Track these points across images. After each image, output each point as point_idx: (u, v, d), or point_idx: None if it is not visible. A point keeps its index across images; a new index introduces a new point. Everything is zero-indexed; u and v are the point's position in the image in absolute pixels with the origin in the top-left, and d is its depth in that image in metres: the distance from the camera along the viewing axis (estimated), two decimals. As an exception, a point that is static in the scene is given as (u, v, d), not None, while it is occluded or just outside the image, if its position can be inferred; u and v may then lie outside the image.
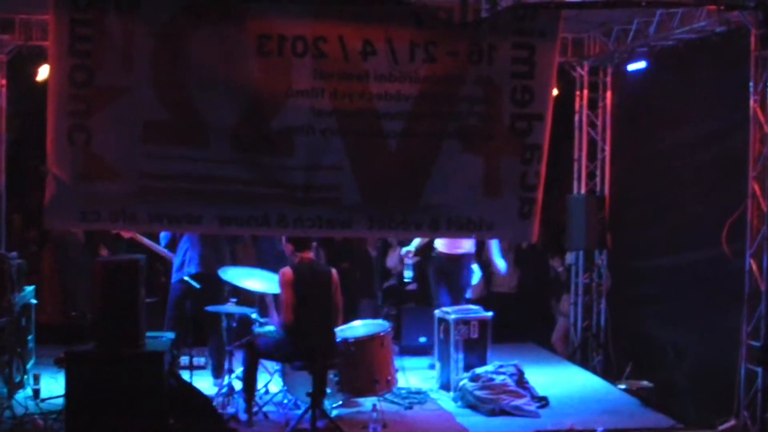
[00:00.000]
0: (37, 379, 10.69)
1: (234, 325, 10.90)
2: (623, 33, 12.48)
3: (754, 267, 10.14)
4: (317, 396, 9.80)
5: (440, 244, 12.51)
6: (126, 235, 11.56)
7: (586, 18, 12.24)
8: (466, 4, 9.52)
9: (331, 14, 9.47)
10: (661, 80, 12.32)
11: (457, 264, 12.60)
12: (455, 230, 9.87)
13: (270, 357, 10.30)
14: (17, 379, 10.58)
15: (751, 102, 10.23)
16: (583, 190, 13.62)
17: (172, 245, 11.49)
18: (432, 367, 12.08)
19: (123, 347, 9.27)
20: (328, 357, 9.94)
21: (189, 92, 9.40)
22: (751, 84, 10.25)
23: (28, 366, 11.13)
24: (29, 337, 11.37)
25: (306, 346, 9.78)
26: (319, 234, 10.04)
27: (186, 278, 11.07)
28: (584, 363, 13.40)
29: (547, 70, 9.76)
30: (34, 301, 11.56)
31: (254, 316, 10.80)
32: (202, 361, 11.95)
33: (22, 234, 13.95)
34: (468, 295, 12.90)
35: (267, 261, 12.94)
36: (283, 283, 9.85)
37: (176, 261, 11.35)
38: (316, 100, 9.50)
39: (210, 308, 10.59)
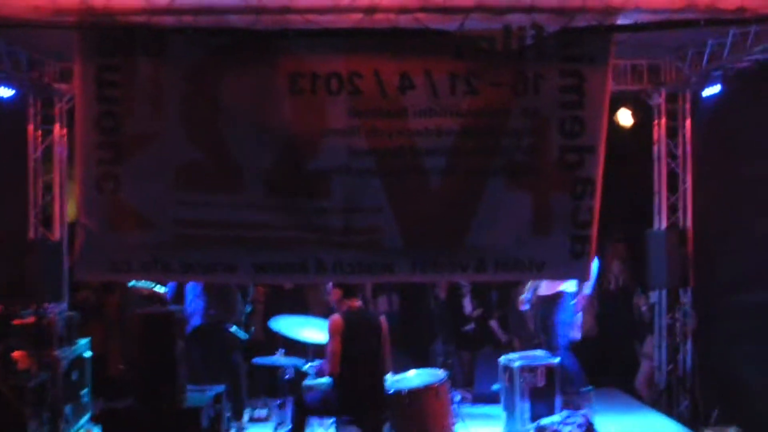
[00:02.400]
0: (90, 435, 10.36)
1: (287, 377, 10.48)
2: (698, 56, 11.79)
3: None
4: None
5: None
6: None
7: (659, 42, 11.64)
8: (509, 31, 8.99)
9: (366, 48, 9.03)
10: (738, 104, 11.59)
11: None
12: (503, 272, 9.29)
13: (318, 412, 9.82)
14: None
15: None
16: (664, 225, 12.86)
17: (179, 296, 11.20)
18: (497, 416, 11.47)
19: (160, 403, 8.90)
20: (379, 410, 9.43)
21: (221, 135, 9.07)
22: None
23: (82, 422, 10.82)
24: (83, 392, 11.07)
25: (354, 399, 9.31)
26: (360, 279, 9.51)
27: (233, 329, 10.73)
28: (669, 408, 12.59)
29: (599, 99, 9.14)
30: (88, 353, 11.26)
31: (306, 367, 10.33)
32: (263, 413, 11.55)
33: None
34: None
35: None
36: (332, 331, 9.40)
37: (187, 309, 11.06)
38: (352, 139, 9.08)
39: (259, 360, 10.19)
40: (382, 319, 9.71)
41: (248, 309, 11.87)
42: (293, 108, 9.04)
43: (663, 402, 12.76)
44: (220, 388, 10.08)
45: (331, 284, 9.91)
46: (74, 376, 10.86)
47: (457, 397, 12.81)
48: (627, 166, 14.03)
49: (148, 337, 9.04)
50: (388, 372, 9.85)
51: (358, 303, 9.66)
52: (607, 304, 14.15)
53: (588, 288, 12.03)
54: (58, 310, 10.60)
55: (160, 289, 11.50)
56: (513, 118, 9.12)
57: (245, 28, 8.82)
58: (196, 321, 11.12)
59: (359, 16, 8.84)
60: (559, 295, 11.92)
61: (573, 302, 12.08)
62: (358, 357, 9.34)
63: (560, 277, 10.31)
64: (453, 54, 9.06)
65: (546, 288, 11.97)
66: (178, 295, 11.38)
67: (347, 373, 9.32)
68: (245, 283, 10.77)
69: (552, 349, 11.87)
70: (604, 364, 13.73)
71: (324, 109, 9.04)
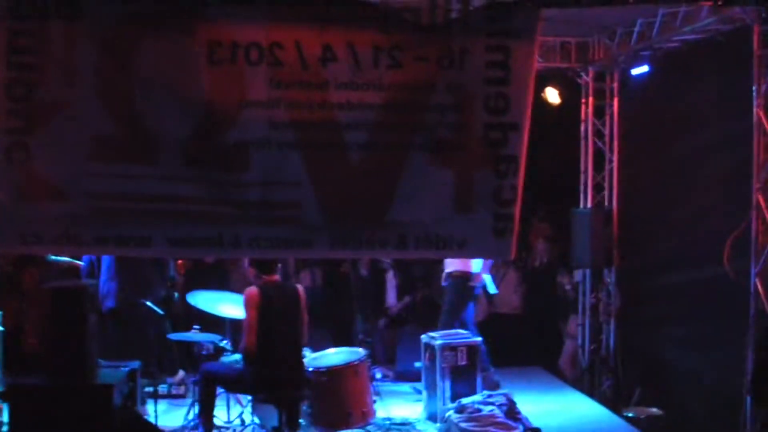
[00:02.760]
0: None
1: (204, 353, 10.27)
2: (627, 36, 11.75)
3: (760, 287, 9.34)
4: (285, 430, 9.10)
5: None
6: None
7: (588, 20, 11.58)
8: (434, 4, 8.77)
9: (288, 17, 8.75)
10: (666, 85, 11.59)
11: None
12: (424, 249, 9.08)
13: (231, 388, 9.62)
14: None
15: (755, 106, 9.45)
16: (590, 204, 12.79)
17: (91, 271, 10.95)
18: (419, 393, 11.34)
19: (70, 380, 8.62)
20: (296, 388, 9.27)
21: (137, 105, 8.73)
22: (753, 87, 9.45)
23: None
24: (-8, 365, 10.74)
25: (270, 375, 9.14)
26: (277, 255, 9.28)
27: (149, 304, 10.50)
28: (592, 388, 12.58)
29: (525, 75, 8.95)
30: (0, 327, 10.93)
31: (224, 344, 10.12)
32: (181, 390, 11.34)
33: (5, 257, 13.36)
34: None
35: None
36: (247, 304, 9.25)
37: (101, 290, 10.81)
38: (272, 111, 8.79)
39: (174, 336, 9.95)
40: (300, 289, 9.52)
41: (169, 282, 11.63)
42: (212, 78, 8.74)
43: (586, 381, 12.77)
44: (135, 364, 9.85)
45: (246, 262, 9.69)
46: (-18, 350, 10.53)
47: (378, 375, 12.78)
48: (553, 145, 14.01)
49: (57, 312, 8.74)
50: (304, 343, 9.65)
51: (275, 277, 9.46)
52: (533, 283, 14.11)
53: (484, 269, 11.95)
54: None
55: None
56: (437, 93, 8.90)
57: (162, -5, 8.51)
58: (110, 303, 10.87)
59: (281, -16, 8.59)
60: (463, 274, 11.82)
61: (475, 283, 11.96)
62: (276, 330, 9.17)
63: (482, 255, 10.19)
64: (377, 26, 8.81)
65: (451, 266, 11.87)
66: (91, 273, 11.09)
67: (264, 347, 9.15)
68: (160, 256, 10.46)
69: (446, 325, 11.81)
70: (529, 343, 13.70)
71: (244, 79, 8.76)
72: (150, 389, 11.72)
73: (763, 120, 9.50)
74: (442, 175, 8.99)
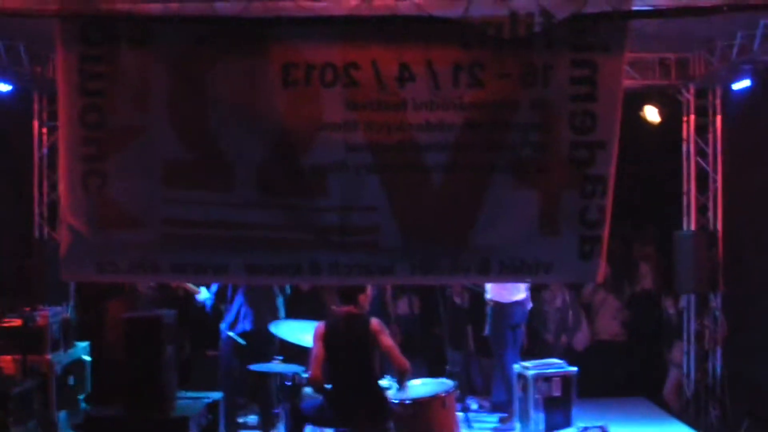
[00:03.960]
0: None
1: (288, 384, 10.00)
2: (727, 49, 11.18)
3: None
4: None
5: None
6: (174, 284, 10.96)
7: (687, 35, 11.09)
8: (516, 18, 8.39)
9: (363, 36, 8.52)
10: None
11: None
12: (508, 274, 8.75)
13: (315, 422, 9.32)
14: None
15: None
16: (693, 226, 12.24)
17: (221, 297, 10.72)
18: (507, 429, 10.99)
19: (146, 412, 8.44)
20: (376, 421, 8.90)
21: (210, 130, 8.60)
22: None
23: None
24: (80, 396, 10.64)
25: (346, 408, 8.80)
26: (357, 282, 8.96)
27: (230, 334, 10.27)
28: (698, 420, 11.97)
29: (613, 91, 8.56)
30: (88, 358, 10.84)
31: (305, 374, 9.84)
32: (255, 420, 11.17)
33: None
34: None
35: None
36: (314, 337, 8.94)
37: (229, 316, 10.58)
38: (349, 133, 8.56)
39: (254, 367, 9.70)
40: (374, 321, 9.17)
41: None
42: (286, 101, 8.56)
43: (691, 412, 12.15)
44: (217, 395, 9.65)
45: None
46: (71, 381, 10.44)
47: (474, 405, 12.36)
48: (656, 165, 13.48)
49: (133, 342, 8.58)
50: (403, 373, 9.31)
51: (349, 308, 9.16)
52: (636, 309, 13.55)
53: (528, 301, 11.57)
54: (52, 313, 10.10)
55: (202, 293, 11.12)
56: (520, 111, 8.57)
57: (234, 16, 8.34)
58: (247, 326, 10.68)
59: (356, 2, 8.38)
60: (496, 304, 11.43)
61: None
62: (343, 364, 8.85)
63: (568, 278, 9.78)
64: (456, 43, 8.53)
65: (489, 293, 11.51)
66: (223, 296, 10.95)
67: (335, 381, 8.86)
68: (237, 283, 10.28)
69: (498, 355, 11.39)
70: (632, 372, 13.14)
71: (319, 101, 8.55)
72: (240, 420, 11.61)
73: None
74: (526, 197, 8.65)
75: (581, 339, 13.10)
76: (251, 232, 8.67)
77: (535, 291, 13.04)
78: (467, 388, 13.16)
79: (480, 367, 13.23)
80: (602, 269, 8.72)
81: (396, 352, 8.97)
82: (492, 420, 11.79)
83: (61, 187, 8.74)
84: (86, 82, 8.56)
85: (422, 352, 13.05)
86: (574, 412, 10.38)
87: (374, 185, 8.60)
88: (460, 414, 11.36)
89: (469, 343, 13.04)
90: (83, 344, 10.95)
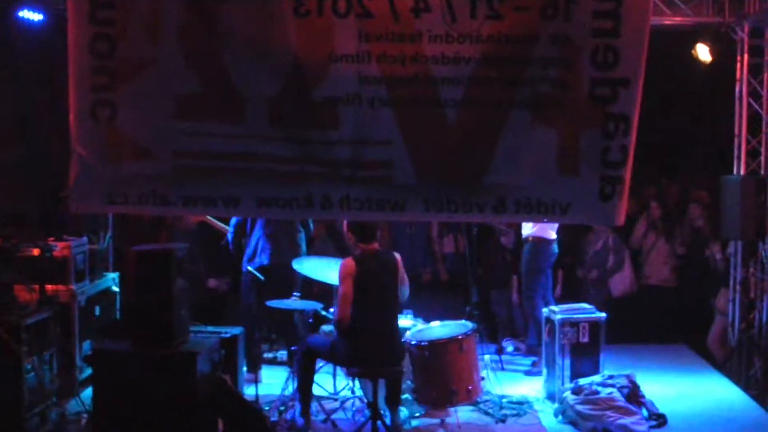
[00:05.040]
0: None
1: (310, 321, 9.90)
2: (782, -15, 10.67)
3: None
4: (383, 404, 8.69)
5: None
6: (196, 219, 10.86)
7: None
8: (537, -53, 8.06)
9: None
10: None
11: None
12: (524, 213, 8.49)
13: (327, 359, 9.20)
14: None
15: None
16: (743, 171, 11.78)
17: (242, 230, 10.60)
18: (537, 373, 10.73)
19: (154, 346, 8.36)
20: (390, 363, 8.76)
21: (222, 62, 8.44)
22: None
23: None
24: (106, 327, 10.63)
25: (363, 349, 8.66)
26: (369, 217, 8.76)
27: (251, 269, 10.15)
28: (740, 371, 11.59)
29: (638, 26, 8.20)
30: (116, 288, 10.82)
31: (324, 312, 9.71)
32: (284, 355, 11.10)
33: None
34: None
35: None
36: (343, 275, 8.75)
37: (248, 250, 10.47)
38: (362, 65, 8.34)
39: (270, 303, 9.58)
40: (398, 258, 8.99)
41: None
42: (298, 32, 8.35)
43: (734, 363, 11.76)
44: (237, 330, 9.57)
45: (345, 226, 9.25)
46: (96, 311, 10.42)
47: (510, 348, 12.15)
48: (710, 107, 13.01)
49: (143, 276, 8.47)
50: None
51: (374, 246, 8.97)
52: (687, 254, 13.16)
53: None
54: (76, 244, 10.07)
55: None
56: (539, 45, 8.26)
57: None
58: (264, 260, 10.59)
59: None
60: (539, 240, 11.14)
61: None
62: (371, 303, 8.68)
63: (587, 220, 9.37)
64: (474, -28, 8.20)
65: (527, 229, 11.22)
66: (242, 229, 10.85)
67: (358, 320, 8.67)
68: (248, 216, 10.15)
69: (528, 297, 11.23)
70: (679, 318, 12.78)
71: (332, 32, 8.33)
72: (269, 355, 11.53)
73: None
74: (544, 135, 8.36)
75: (621, 284, 12.72)
76: (262, 165, 8.52)
77: (580, 232, 12.78)
78: (508, 329, 12.96)
79: (522, 308, 12.95)
80: (623, 211, 8.43)
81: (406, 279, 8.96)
82: (526, 363, 11.59)
83: (71, 116, 8.59)
84: (96, 11, 8.45)
85: (466, 291, 12.81)
86: (606, 358, 10.07)
87: (388, 119, 8.39)
88: (492, 356, 11.21)
89: (512, 283, 12.76)
90: (113, 275, 10.86)
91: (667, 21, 11.34)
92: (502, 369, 11.34)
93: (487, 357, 10.68)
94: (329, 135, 8.43)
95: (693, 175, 14.11)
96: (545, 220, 9.19)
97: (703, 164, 13.91)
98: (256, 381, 9.93)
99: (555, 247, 11.48)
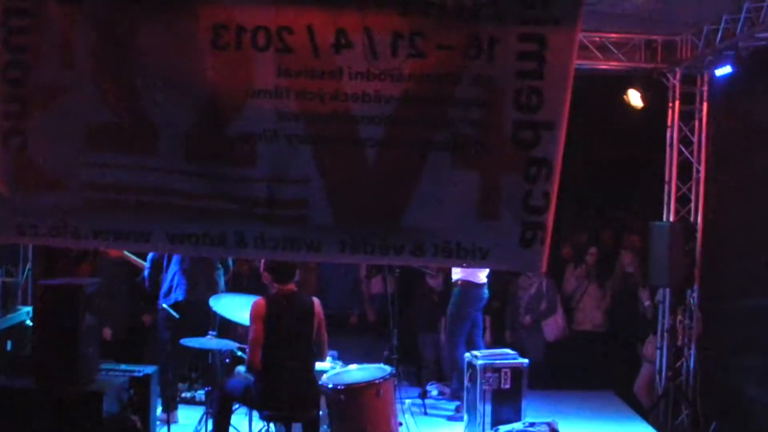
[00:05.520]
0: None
1: (227, 361, 9.65)
2: (714, 34, 10.65)
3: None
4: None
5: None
6: (113, 253, 10.61)
7: (674, 17, 10.58)
8: (461, -14, 7.88)
9: (298, 0, 8.00)
10: (753, 87, 10.41)
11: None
12: (443, 257, 8.24)
13: (241, 402, 8.97)
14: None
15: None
16: (672, 217, 11.70)
17: (159, 266, 10.35)
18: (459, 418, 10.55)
19: (58, 384, 8.07)
20: (303, 407, 8.53)
21: (136, 92, 8.16)
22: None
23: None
24: (21, 362, 10.29)
25: (275, 393, 8.44)
26: (284, 257, 8.51)
27: (165, 306, 9.90)
28: (666, 419, 11.46)
29: (562, 69, 8.02)
30: (29, 322, 10.50)
31: (240, 352, 9.47)
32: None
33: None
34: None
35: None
36: (253, 317, 8.59)
37: (164, 286, 10.21)
38: (280, 101, 8.08)
39: (185, 341, 9.32)
40: (316, 302, 8.79)
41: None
42: (216, 64, 8.09)
43: (661, 411, 11.64)
44: (150, 369, 9.30)
45: (262, 266, 9.05)
46: (8, 345, 10.11)
47: (434, 392, 11.96)
48: (642, 152, 12.98)
49: (49, 311, 8.23)
50: (323, 359, 8.96)
51: (289, 287, 8.77)
52: (619, 300, 13.07)
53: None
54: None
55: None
56: (462, 86, 8.05)
57: (163, -26, 7.90)
58: (179, 296, 10.34)
59: (291, -37, 7.89)
60: (467, 284, 10.99)
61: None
62: (282, 345, 8.47)
63: (508, 266, 9.20)
64: (397, 10, 8.02)
65: (457, 273, 11.08)
66: (159, 265, 10.60)
67: (269, 363, 8.46)
68: (160, 252, 9.92)
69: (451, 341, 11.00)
70: (608, 365, 12.67)
71: (250, 66, 8.08)
72: (188, 395, 11.26)
73: None
74: (465, 178, 8.13)
75: (555, 329, 12.61)
76: (175, 200, 8.24)
77: (512, 276, 12.67)
78: (435, 372, 12.79)
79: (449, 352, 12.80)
80: (545, 257, 8.21)
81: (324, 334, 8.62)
82: (450, 408, 11.42)
83: (-19, 146, 8.30)
84: (11, 37, 8.17)
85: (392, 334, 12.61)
86: (531, 404, 9.94)
87: (306, 157, 8.14)
88: (414, 400, 11.00)
89: (440, 326, 12.60)
90: (27, 309, 10.57)
91: (601, 66, 11.30)
92: (425, 414, 11.13)
93: (407, 401, 10.49)
94: (245, 172, 8.18)
95: (627, 220, 14.04)
96: (464, 265, 9.00)
97: (637, 210, 13.85)
98: (168, 422, 9.65)
99: (485, 292, 11.33)
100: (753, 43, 10.23)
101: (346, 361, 10.01)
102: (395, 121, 8.10)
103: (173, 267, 10.40)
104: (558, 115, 8.06)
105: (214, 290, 10.30)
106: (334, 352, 10.03)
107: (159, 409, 9.98)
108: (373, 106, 8.09)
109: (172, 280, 10.40)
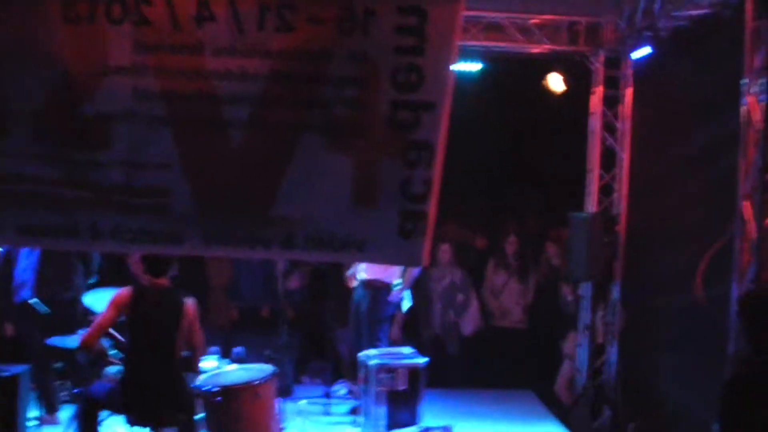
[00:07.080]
0: None
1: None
2: (635, 15, 10.03)
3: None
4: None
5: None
6: None
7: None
8: (335, -45, 7.19)
9: None
10: (673, 70, 9.80)
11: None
12: (315, 249, 7.56)
13: (106, 407, 8.33)
14: None
15: (745, 94, 7.65)
16: (594, 208, 11.08)
17: (7, 261, 9.70)
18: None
19: None
20: (169, 411, 7.88)
21: (-19, 69, 7.39)
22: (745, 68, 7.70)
23: None
24: None
25: (135, 395, 7.78)
26: (142, 250, 7.85)
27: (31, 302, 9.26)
28: (586, 420, 10.85)
29: (445, 45, 7.36)
30: None
31: (114, 351, 8.82)
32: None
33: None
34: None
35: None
36: (112, 302, 7.95)
37: (14, 283, 9.55)
38: (138, 79, 7.38)
39: (50, 341, 8.68)
40: (189, 303, 8.13)
41: (92, 281, 10.34)
42: (68, 39, 7.38)
43: (581, 411, 11.03)
44: (20, 368, 8.64)
45: (137, 255, 8.38)
46: None
47: (343, 391, 11.36)
48: (562, 140, 12.38)
49: None
50: (197, 363, 8.32)
51: (162, 281, 8.12)
52: (541, 294, 12.45)
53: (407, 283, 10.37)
54: None
55: None
56: (335, 63, 7.37)
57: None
58: (26, 294, 9.67)
59: (147, -74, 7.19)
60: (383, 285, 10.28)
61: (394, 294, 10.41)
62: (141, 343, 7.82)
63: (385, 259, 8.51)
64: (264, -20, 7.32)
65: (367, 272, 10.36)
66: (7, 260, 9.92)
67: (132, 361, 7.83)
68: (9, 246, 9.24)
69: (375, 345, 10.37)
70: (528, 362, 12.07)
71: (105, 41, 7.37)
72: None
73: (754, 109, 7.70)
74: (339, 163, 7.46)
75: (471, 323, 11.98)
76: (23, 187, 7.54)
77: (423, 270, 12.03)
78: (350, 370, 12.19)
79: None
80: (427, 250, 7.56)
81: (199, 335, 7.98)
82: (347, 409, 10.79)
83: None
84: None
85: (307, 331, 12.07)
86: (441, 403, 9.37)
87: (166, 140, 7.45)
88: (315, 400, 10.43)
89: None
90: None
91: (522, 49, 10.70)
92: (328, 414, 10.53)
93: (303, 402, 9.90)
94: (99, 156, 7.48)
95: (555, 210, 13.43)
96: (338, 258, 8.33)
97: (565, 200, 13.23)
98: (44, 423, 9.07)
99: (399, 289, 10.63)
100: (673, 23, 9.61)
101: (256, 359, 9.45)
102: (263, 102, 7.43)
103: (21, 262, 9.78)
104: (440, 95, 7.40)
105: (67, 287, 9.68)
106: (216, 348, 9.41)
107: (36, 412, 9.36)
108: (238, 84, 7.41)
109: (20, 276, 9.78)
